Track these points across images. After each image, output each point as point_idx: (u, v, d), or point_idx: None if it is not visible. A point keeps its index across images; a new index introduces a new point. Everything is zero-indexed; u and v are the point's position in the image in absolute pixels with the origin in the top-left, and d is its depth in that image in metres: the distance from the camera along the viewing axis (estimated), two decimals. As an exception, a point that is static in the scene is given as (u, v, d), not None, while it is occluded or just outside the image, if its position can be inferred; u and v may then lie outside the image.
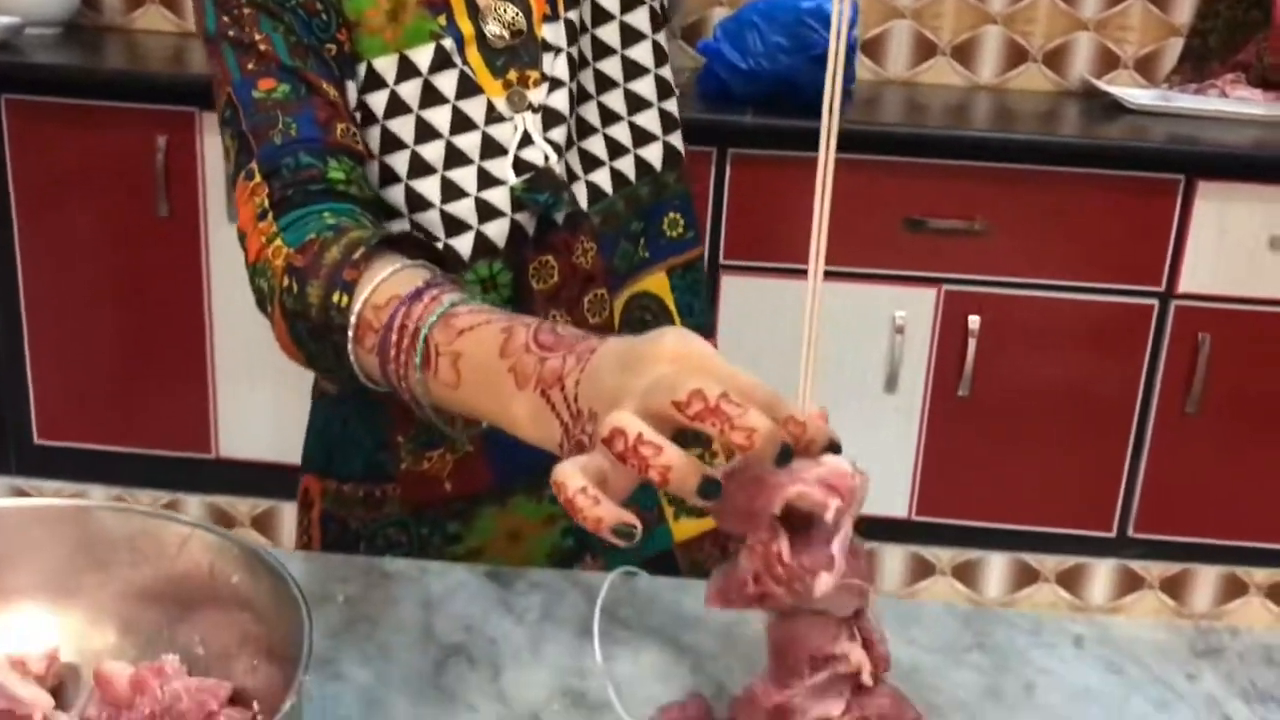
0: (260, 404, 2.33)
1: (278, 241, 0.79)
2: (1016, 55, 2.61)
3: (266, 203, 0.82)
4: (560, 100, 0.93)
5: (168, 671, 0.67)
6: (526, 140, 0.92)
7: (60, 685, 0.69)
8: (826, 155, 0.55)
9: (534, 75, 0.93)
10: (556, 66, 0.93)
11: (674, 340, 0.56)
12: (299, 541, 1.06)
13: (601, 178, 0.96)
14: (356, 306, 0.72)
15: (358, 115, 0.89)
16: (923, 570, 2.42)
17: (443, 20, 0.91)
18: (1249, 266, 2.18)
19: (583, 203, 0.94)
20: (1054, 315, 2.21)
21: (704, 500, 0.52)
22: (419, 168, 0.90)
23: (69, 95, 2.21)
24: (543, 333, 0.63)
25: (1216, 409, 2.24)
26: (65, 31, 2.54)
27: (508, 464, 0.96)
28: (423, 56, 0.90)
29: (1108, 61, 2.60)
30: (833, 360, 2.18)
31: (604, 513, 0.52)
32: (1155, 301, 2.20)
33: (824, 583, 0.52)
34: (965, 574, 2.41)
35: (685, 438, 0.55)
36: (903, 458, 2.29)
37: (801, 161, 2.01)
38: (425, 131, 0.90)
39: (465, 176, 0.90)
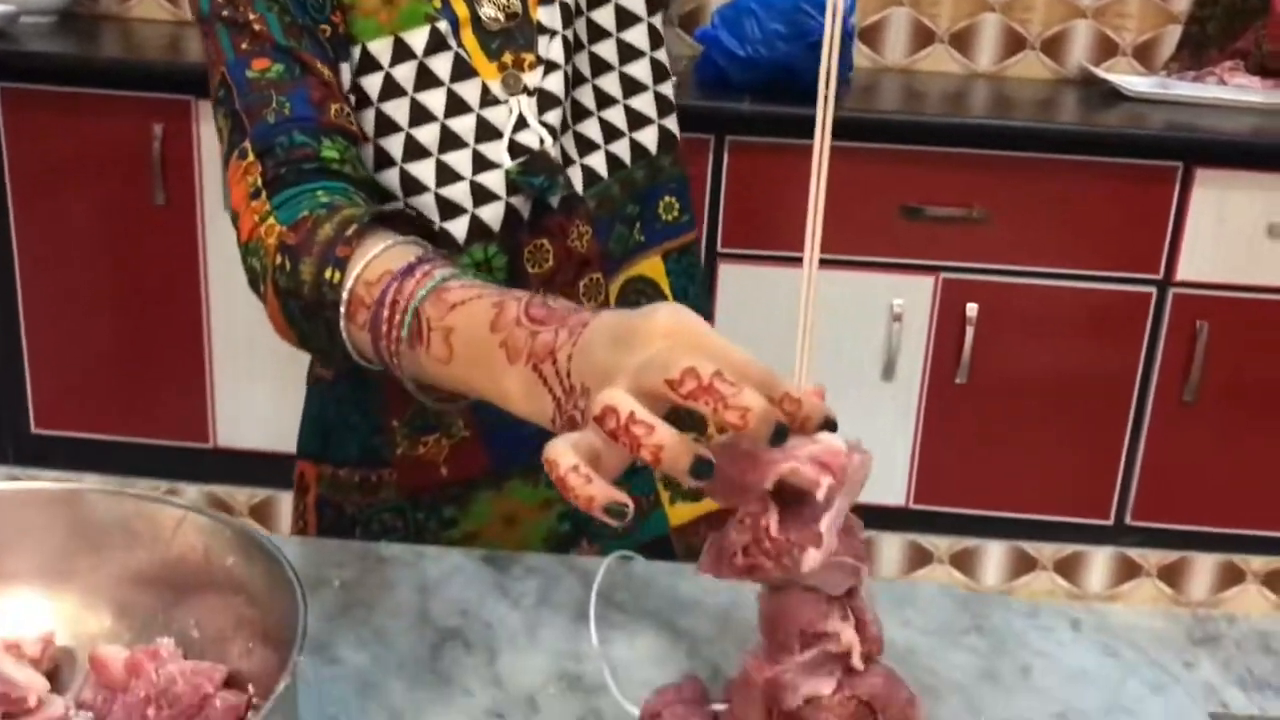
0: (258, 393, 2.33)
1: (270, 220, 0.79)
2: (1015, 43, 2.60)
3: (259, 181, 0.81)
4: (555, 83, 0.92)
5: (163, 655, 0.67)
6: (521, 123, 0.92)
7: (55, 669, 0.70)
8: (822, 143, 0.55)
9: (529, 58, 0.93)
10: (552, 49, 0.93)
11: (667, 315, 0.56)
12: (295, 526, 1.06)
13: (597, 161, 0.96)
14: (349, 283, 0.71)
15: (352, 98, 0.89)
16: (920, 558, 2.42)
17: (437, 3, 0.91)
18: (1247, 254, 2.18)
19: (578, 186, 0.94)
20: (1052, 303, 2.21)
21: (696, 480, 0.52)
22: (414, 151, 0.90)
23: (65, 83, 2.21)
24: (534, 306, 0.63)
25: (1214, 397, 2.24)
26: (61, 19, 2.54)
27: (503, 448, 0.96)
28: (417, 39, 0.90)
29: (1106, 49, 2.60)
30: (830, 348, 2.18)
31: (595, 491, 0.52)
32: (1153, 289, 2.20)
33: (811, 558, 0.52)
34: (963, 562, 2.41)
35: (681, 418, 0.54)
36: (900, 446, 2.29)
37: (799, 149, 1.99)
38: (420, 114, 0.90)
39: (460, 160, 0.90)
